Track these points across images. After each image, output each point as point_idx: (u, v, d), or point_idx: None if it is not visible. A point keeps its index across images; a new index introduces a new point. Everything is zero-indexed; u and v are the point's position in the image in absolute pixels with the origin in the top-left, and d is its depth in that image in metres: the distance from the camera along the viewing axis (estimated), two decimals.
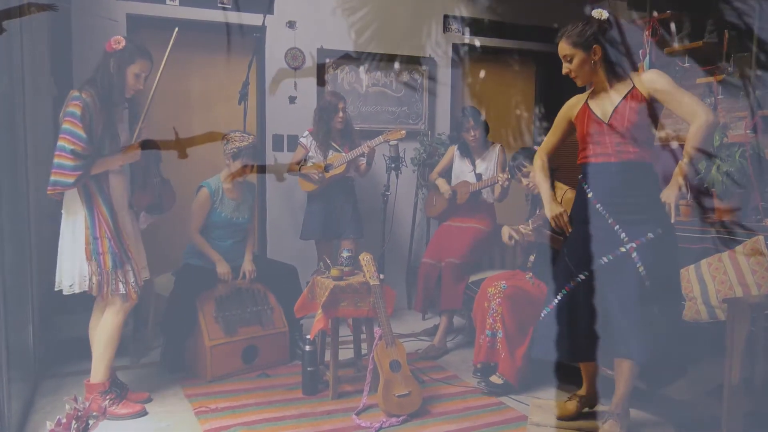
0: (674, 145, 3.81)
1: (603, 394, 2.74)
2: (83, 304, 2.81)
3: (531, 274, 3.33)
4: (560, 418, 2.69)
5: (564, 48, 2.46)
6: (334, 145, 4.00)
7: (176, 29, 2.89)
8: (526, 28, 5.11)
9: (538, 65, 5.39)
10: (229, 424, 2.78)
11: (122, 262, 2.75)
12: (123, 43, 2.72)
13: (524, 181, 3.35)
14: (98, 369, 2.81)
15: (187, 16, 4.12)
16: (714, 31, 3.69)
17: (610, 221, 2.45)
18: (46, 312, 3.43)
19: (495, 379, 3.16)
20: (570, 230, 2.60)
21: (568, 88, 2.75)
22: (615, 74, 2.46)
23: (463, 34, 4.97)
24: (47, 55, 3.69)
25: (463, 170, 3.97)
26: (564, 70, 2.50)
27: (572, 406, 2.70)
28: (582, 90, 2.62)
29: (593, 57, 2.42)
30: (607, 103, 2.46)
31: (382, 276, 3.12)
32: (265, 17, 4.16)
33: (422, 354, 3.73)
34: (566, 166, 3.98)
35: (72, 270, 2.70)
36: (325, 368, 3.25)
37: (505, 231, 3.32)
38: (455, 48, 4.95)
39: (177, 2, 4.12)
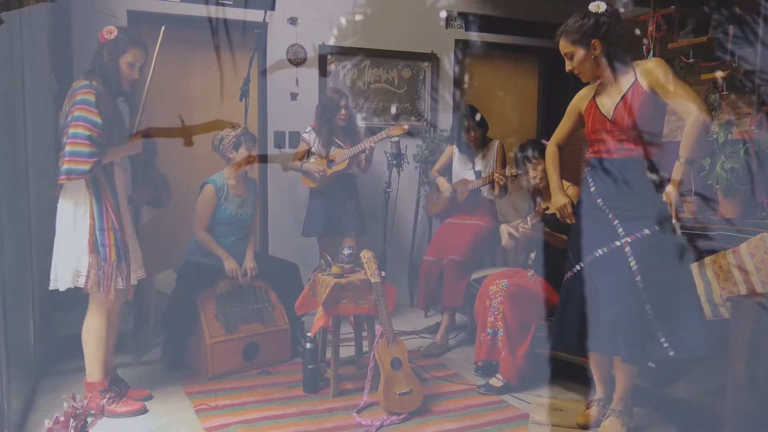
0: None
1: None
2: (84, 301, 2.80)
3: (533, 271, 3.31)
4: (582, 426, 2.65)
5: (564, 45, 2.44)
6: (337, 141, 3.99)
7: (163, 27, 2.87)
8: (529, 24, 5.08)
9: (541, 61, 5.35)
10: (229, 422, 2.77)
11: (125, 256, 2.74)
12: (115, 33, 2.71)
13: (531, 172, 3.31)
14: (92, 369, 2.79)
15: (188, 12, 4.10)
16: (719, 26, 3.65)
17: (610, 216, 2.44)
18: (46, 309, 3.43)
19: (495, 381, 3.14)
20: (573, 222, 2.61)
21: (571, 83, 2.74)
22: (618, 68, 2.42)
23: (465, 29, 4.94)
24: (47, 52, 3.68)
25: (462, 168, 3.95)
26: (567, 68, 2.48)
27: (593, 412, 2.66)
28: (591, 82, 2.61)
29: (593, 52, 2.39)
30: (611, 99, 2.43)
31: (383, 273, 3.11)
32: (266, 13, 4.15)
33: (424, 351, 3.72)
34: (569, 162, 3.95)
35: (69, 264, 2.64)
36: (326, 366, 3.24)
37: (504, 230, 3.31)
38: (458, 44, 4.92)
39: None
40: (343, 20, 4.53)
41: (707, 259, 3.06)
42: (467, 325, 4.09)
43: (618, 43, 2.39)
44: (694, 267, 3.12)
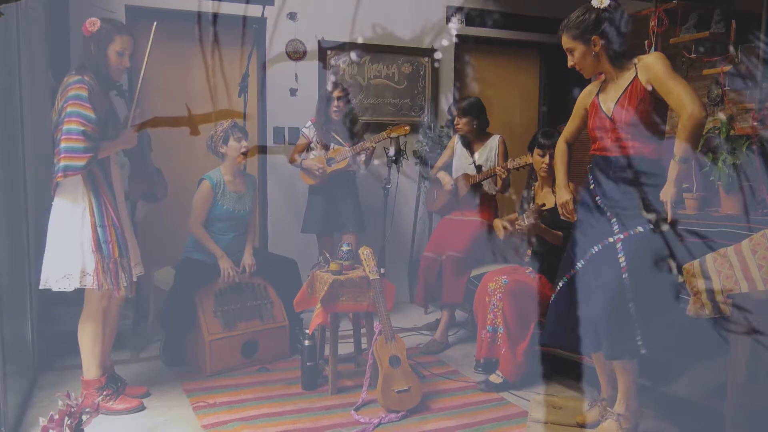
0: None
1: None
2: (83, 297, 2.78)
3: (531, 268, 3.29)
4: (581, 425, 2.63)
5: (565, 41, 2.41)
6: (337, 137, 3.97)
7: (155, 23, 2.85)
8: (530, 19, 5.04)
9: (542, 56, 5.32)
10: (227, 419, 2.76)
11: (126, 252, 2.73)
12: (98, 24, 2.68)
13: (539, 160, 3.28)
14: (89, 366, 2.78)
15: (186, 8, 4.08)
16: (721, 21, 3.62)
17: (608, 214, 2.43)
18: (45, 305, 3.42)
19: (494, 378, 3.13)
20: (574, 219, 2.60)
21: (572, 79, 2.72)
22: (620, 64, 2.39)
23: (466, 25, 4.91)
24: (45, 48, 3.67)
25: (462, 162, 3.93)
26: (569, 63, 2.45)
27: (594, 413, 2.63)
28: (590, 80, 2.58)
29: (594, 48, 2.36)
30: (613, 95, 2.41)
31: (382, 270, 3.09)
32: (264, 8, 4.12)
33: (423, 348, 3.70)
34: (575, 160, 3.91)
35: (69, 264, 2.61)
36: (324, 363, 3.23)
37: (498, 223, 3.29)
38: (458, 39, 4.89)
39: None
40: (342, 15, 4.50)
41: (708, 256, 3.04)
42: (467, 321, 4.07)
43: (619, 40, 2.36)
44: (696, 264, 3.10)
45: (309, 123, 4.06)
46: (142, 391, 2.99)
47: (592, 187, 2.49)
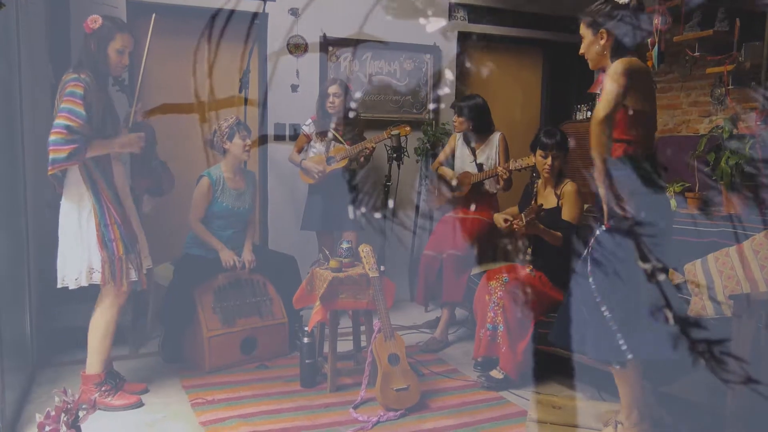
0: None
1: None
2: (82, 293, 2.78)
3: (531, 267, 3.28)
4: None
5: (581, 26, 2.39)
6: (337, 135, 3.95)
7: (153, 15, 2.85)
8: (533, 16, 5.01)
9: (545, 53, 5.28)
10: (225, 416, 2.75)
11: (134, 246, 2.74)
12: (100, 21, 2.69)
13: (542, 161, 3.25)
14: (94, 361, 2.79)
15: (187, 3, 4.06)
16: (725, 19, 3.59)
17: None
18: (44, 301, 3.42)
19: (495, 373, 3.12)
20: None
21: (574, 77, 2.70)
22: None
23: (468, 21, 4.89)
24: (45, 43, 3.66)
25: (464, 160, 3.91)
26: (580, 50, 2.43)
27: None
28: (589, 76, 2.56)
29: (599, 40, 2.33)
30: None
31: (382, 268, 3.08)
32: (265, 4, 4.10)
33: (423, 347, 3.69)
34: (572, 159, 3.90)
35: (79, 261, 2.66)
36: (323, 360, 3.22)
37: (498, 217, 3.28)
38: (460, 36, 4.87)
39: None
40: (344, 11, 4.48)
41: (710, 256, 3.02)
42: (467, 320, 4.06)
43: (624, 43, 2.30)
44: (697, 264, 3.08)
45: (309, 120, 4.05)
46: (140, 387, 2.98)
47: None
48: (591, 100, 4.62)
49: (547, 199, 3.29)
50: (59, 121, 2.56)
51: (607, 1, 2.33)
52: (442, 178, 4.02)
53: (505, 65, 5.22)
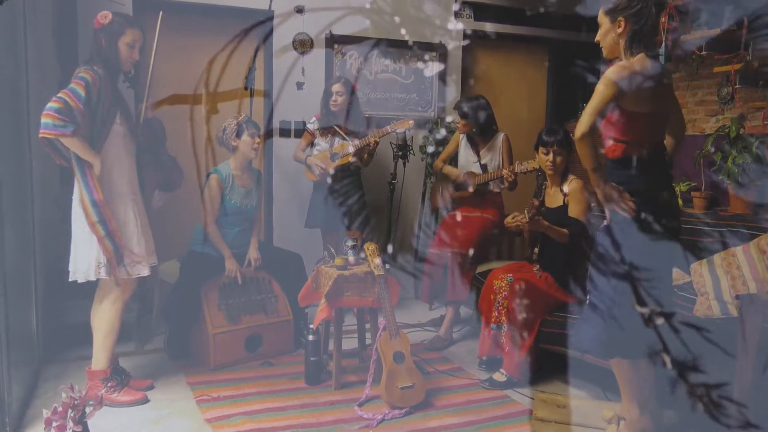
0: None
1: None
2: (88, 289, 2.80)
3: (538, 266, 3.27)
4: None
5: (599, 14, 2.38)
6: (341, 132, 3.95)
7: (161, 12, 2.87)
8: (539, 15, 5.00)
9: (550, 52, 5.27)
10: (230, 413, 2.76)
11: (118, 247, 2.72)
12: (110, 17, 2.70)
13: (544, 158, 3.25)
14: (99, 357, 2.81)
15: (193, 0, 4.06)
16: (733, 17, 3.57)
17: None
18: (51, 297, 3.43)
19: (498, 376, 3.12)
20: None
21: (580, 75, 2.70)
22: (632, 56, 2.35)
23: (474, 19, 4.87)
24: (52, 40, 3.67)
25: (468, 160, 3.90)
26: (596, 38, 2.42)
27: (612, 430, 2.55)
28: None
29: (616, 29, 2.31)
30: None
31: (387, 266, 3.08)
32: (271, 1, 4.10)
33: (428, 345, 3.69)
34: (576, 158, 3.87)
35: (88, 255, 2.67)
36: (328, 358, 3.22)
37: (508, 219, 3.27)
38: (466, 34, 4.86)
39: None
40: (350, 9, 4.48)
41: (716, 256, 3.01)
42: (472, 318, 4.06)
43: (642, 33, 2.28)
44: (703, 264, 3.07)
45: (314, 119, 4.05)
46: (146, 383, 2.99)
47: None
48: None
49: (554, 198, 3.28)
50: (61, 94, 2.54)
51: None
52: (446, 176, 4.02)
53: (510, 63, 5.21)
